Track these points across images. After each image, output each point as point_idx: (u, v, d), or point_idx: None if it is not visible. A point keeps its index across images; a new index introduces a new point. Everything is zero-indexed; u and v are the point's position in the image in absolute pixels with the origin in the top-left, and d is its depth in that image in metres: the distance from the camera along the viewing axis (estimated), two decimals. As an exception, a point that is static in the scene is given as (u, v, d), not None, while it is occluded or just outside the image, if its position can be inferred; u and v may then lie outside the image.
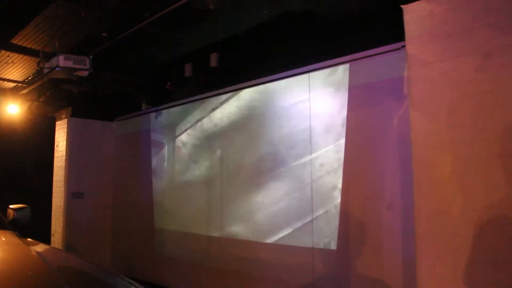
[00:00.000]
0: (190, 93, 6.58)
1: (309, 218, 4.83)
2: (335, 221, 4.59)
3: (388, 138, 4.25)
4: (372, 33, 4.42)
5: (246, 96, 5.76)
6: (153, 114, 7.39)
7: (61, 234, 7.71)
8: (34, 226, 3.65)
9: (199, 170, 6.38)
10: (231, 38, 5.40)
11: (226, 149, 5.97)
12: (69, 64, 5.07)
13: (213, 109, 6.23)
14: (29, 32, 5.05)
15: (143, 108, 7.70)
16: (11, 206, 3.52)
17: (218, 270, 5.87)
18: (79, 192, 7.80)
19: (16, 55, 5.73)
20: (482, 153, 3.04)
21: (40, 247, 2.72)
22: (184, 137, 6.71)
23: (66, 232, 7.65)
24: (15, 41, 5.31)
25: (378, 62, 4.40)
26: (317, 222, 4.75)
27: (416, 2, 3.47)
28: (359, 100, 4.54)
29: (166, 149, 7.05)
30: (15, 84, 7.03)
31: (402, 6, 3.54)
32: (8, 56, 5.76)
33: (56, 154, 8.15)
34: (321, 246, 4.69)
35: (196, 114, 6.52)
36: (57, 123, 8.27)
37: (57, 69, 5.05)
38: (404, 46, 3.68)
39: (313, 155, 4.85)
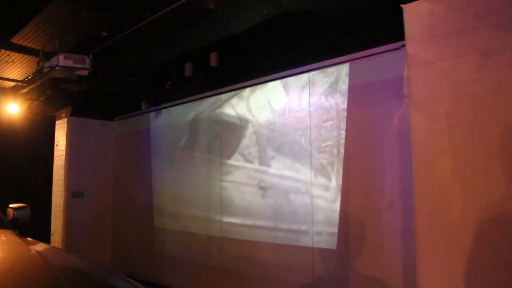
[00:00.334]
0: (190, 93, 6.58)
1: (309, 218, 4.83)
2: (335, 221, 4.59)
3: (388, 137, 4.25)
4: (372, 33, 4.42)
5: (247, 94, 5.76)
6: (153, 114, 7.38)
7: (60, 234, 7.71)
8: (34, 226, 3.64)
9: (199, 170, 6.38)
10: (231, 38, 5.40)
11: (226, 149, 5.96)
12: (69, 63, 5.08)
13: (213, 108, 6.23)
14: (29, 32, 5.05)
15: (143, 107, 7.69)
16: (11, 205, 3.51)
17: (218, 269, 5.88)
18: (79, 192, 7.80)
19: (16, 54, 5.72)
20: (482, 152, 3.05)
21: (40, 247, 2.72)
22: (184, 137, 6.71)
23: (66, 232, 7.65)
24: (15, 40, 5.31)
25: (378, 62, 4.40)
26: (317, 222, 4.75)
27: (416, 2, 3.47)
28: (359, 100, 4.54)
29: (166, 148, 7.04)
30: (15, 83, 7.03)
31: (402, 6, 3.54)
32: (8, 55, 5.76)
33: (56, 154, 8.15)
34: (321, 245, 4.69)
35: (195, 113, 6.52)
36: (57, 122, 8.27)
37: (57, 68, 5.06)
38: (404, 46, 3.69)
39: (313, 156, 4.85)
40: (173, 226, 6.78)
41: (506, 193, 2.90)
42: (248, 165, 5.65)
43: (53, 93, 6.98)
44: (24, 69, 6.35)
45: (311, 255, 4.75)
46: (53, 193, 8.06)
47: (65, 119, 8.00)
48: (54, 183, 8.08)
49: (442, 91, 3.27)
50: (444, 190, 3.20)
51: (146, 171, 7.39)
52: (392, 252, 4.09)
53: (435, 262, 3.21)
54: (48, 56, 5.32)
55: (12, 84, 7.10)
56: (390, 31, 4.06)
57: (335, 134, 4.67)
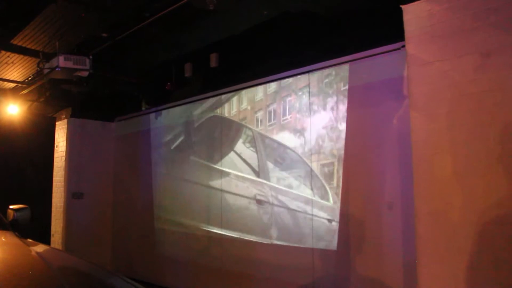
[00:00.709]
0: (190, 93, 6.57)
1: (309, 219, 4.83)
2: (335, 222, 4.59)
3: (388, 138, 4.25)
4: (372, 33, 4.42)
5: (246, 95, 5.76)
6: (153, 114, 7.39)
7: (61, 235, 7.70)
8: (34, 227, 3.64)
9: (199, 170, 6.38)
10: (231, 38, 5.40)
11: (226, 149, 5.96)
12: (69, 64, 5.07)
13: (214, 108, 6.23)
14: (29, 33, 5.05)
15: (143, 108, 7.69)
16: (11, 207, 3.51)
17: (218, 270, 5.87)
18: (79, 193, 7.79)
19: (16, 55, 5.72)
20: (482, 152, 3.05)
21: (40, 248, 2.72)
22: (183, 137, 6.71)
23: (66, 233, 7.64)
24: (15, 41, 5.30)
25: (378, 62, 4.40)
26: (318, 223, 4.75)
27: (416, 2, 3.48)
28: (359, 100, 4.54)
29: (166, 149, 7.04)
30: (15, 84, 7.02)
31: (402, 6, 3.54)
32: (8, 56, 5.75)
33: (56, 155, 8.15)
34: (321, 246, 4.69)
35: (196, 114, 6.52)
36: (57, 123, 8.27)
37: (57, 69, 5.05)
38: (404, 46, 3.69)
39: (313, 156, 4.85)
40: (173, 226, 6.78)
41: (506, 193, 2.90)
42: (249, 165, 5.65)
43: (53, 94, 6.97)
44: (24, 70, 6.34)
45: (312, 256, 4.74)
46: (53, 194, 8.05)
47: (65, 120, 8.00)
48: (54, 184, 8.08)
49: (442, 92, 3.27)
50: (444, 191, 3.20)
51: (146, 171, 7.38)
52: (393, 253, 4.09)
53: (435, 263, 3.20)
54: (48, 57, 5.32)
55: (12, 85, 7.09)
56: (390, 31, 4.06)
57: (335, 134, 4.67)
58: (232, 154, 5.88)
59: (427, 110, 3.35)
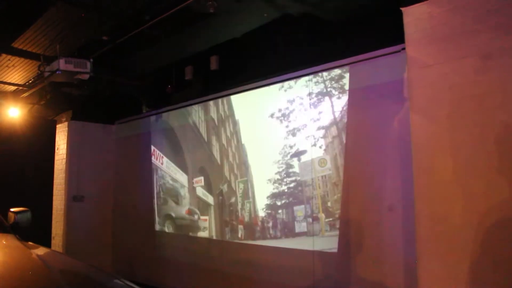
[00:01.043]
0: (191, 96, 6.58)
1: (309, 221, 4.83)
2: (335, 224, 4.59)
3: (389, 140, 4.25)
4: (372, 36, 4.42)
5: (248, 97, 5.77)
6: (153, 117, 7.40)
7: (61, 237, 7.70)
8: (35, 229, 3.65)
9: (200, 173, 6.38)
10: (231, 41, 5.41)
11: (227, 150, 5.97)
12: (70, 67, 5.08)
13: (213, 111, 6.24)
14: (30, 36, 5.05)
15: (144, 111, 7.70)
16: (12, 209, 3.52)
17: (219, 272, 5.87)
18: (80, 195, 7.79)
19: (17, 58, 5.72)
20: (482, 155, 3.04)
21: (40, 251, 2.72)
22: (185, 140, 6.71)
23: (66, 235, 7.64)
24: (16, 44, 5.31)
25: (378, 65, 4.41)
26: (318, 225, 4.75)
27: (416, 5, 3.48)
28: (359, 103, 4.55)
29: (166, 152, 7.05)
30: (16, 87, 7.03)
31: (402, 9, 3.55)
32: (9, 59, 5.76)
33: (56, 157, 8.16)
34: (322, 248, 4.68)
35: (196, 117, 6.53)
36: (57, 126, 8.28)
37: (57, 72, 5.06)
38: (404, 49, 3.69)
39: (314, 156, 4.85)
40: (173, 229, 6.78)
41: (507, 196, 2.90)
42: (250, 164, 5.65)
43: (54, 97, 6.99)
44: (25, 73, 6.35)
45: (312, 258, 4.74)
46: (54, 197, 8.06)
47: (66, 123, 8.01)
48: (55, 186, 8.08)
49: (442, 94, 3.27)
50: (445, 193, 3.20)
51: (146, 174, 7.39)
52: (393, 255, 4.08)
53: (436, 265, 3.20)
54: (49, 60, 5.33)
55: (13, 88, 7.10)
56: (390, 34, 4.07)
57: (336, 137, 4.67)
58: (234, 155, 5.89)
59: (428, 113, 3.35)
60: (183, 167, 6.68)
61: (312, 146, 4.88)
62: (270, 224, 5.31)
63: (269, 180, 5.33)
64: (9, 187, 7.22)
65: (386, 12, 4.02)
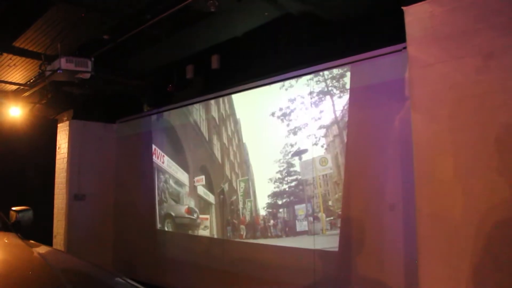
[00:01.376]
0: (192, 95, 6.58)
1: (310, 220, 4.83)
2: (336, 223, 4.60)
3: (390, 139, 4.25)
4: (373, 35, 4.42)
5: (249, 96, 5.78)
6: (154, 116, 7.40)
7: (63, 236, 7.71)
8: (36, 228, 3.65)
9: (201, 172, 6.39)
10: (232, 40, 5.40)
11: (227, 150, 5.97)
12: (71, 66, 5.08)
13: (214, 110, 6.24)
14: (31, 35, 5.05)
15: (145, 110, 7.70)
16: (13, 208, 3.53)
17: (220, 271, 5.87)
18: (81, 194, 7.80)
19: (18, 58, 5.72)
20: (483, 154, 3.04)
21: (42, 249, 2.73)
22: (186, 139, 6.72)
23: (68, 234, 7.66)
24: (17, 44, 5.31)
25: (379, 64, 4.41)
26: (319, 224, 4.75)
27: (417, 4, 3.48)
28: (360, 102, 4.54)
29: (167, 151, 7.05)
30: (17, 86, 7.03)
31: (403, 8, 3.55)
32: (10, 59, 5.76)
33: (58, 156, 8.17)
34: (323, 247, 4.69)
35: (197, 116, 6.53)
36: (58, 125, 8.29)
37: (59, 71, 5.06)
38: (405, 48, 3.69)
39: (315, 157, 4.86)
40: (174, 227, 6.78)
41: (508, 195, 2.90)
42: (251, 163, 5.66)
43: (55, 96, 6.99)
44: (26, 72, 6.36)
45: (313, 257, 4.74)
46: (55, 196, 8.07)
47: (67, 122, 8.01)
48: (56, 185, 8.09)
49: (444, 93, 3.27)
50: (446, 192, 3.20)
51: (147, 173, 7.39)
52: (394, 253, 4.08)
53: (436, 264, 3.20)
54: (50, 59, 5.32)
55: (14, 87, 7.11)
56: (391, 33, 4.07)
57: (337, 136, 4.67)
58: (236, 153, 5.89)
59: (429, 112, 3.35)
60: (184, 166, 6.68)
61: (313, 145, 4.89)
62: (271, 223, 5.32)
63: (270, 179, 5.34)
64: (11, 186, 7.24)
65: (387, 11, 4.02)
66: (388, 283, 4.09)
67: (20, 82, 6.82)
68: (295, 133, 5.10)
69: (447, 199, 3.18)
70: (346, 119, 4.61)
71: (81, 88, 6.58)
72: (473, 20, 3.17)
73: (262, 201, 5.43)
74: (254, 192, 5.59)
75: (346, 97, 4.64)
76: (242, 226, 5.66)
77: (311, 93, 4.96)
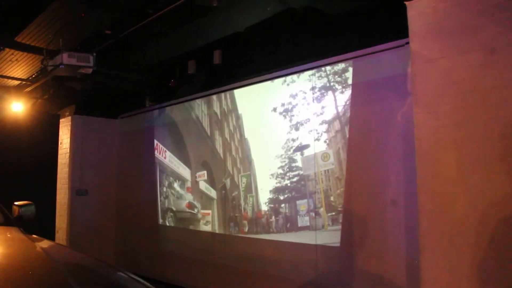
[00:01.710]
0: (194, 90, 6.58)
1: (312, 215, 4.83)
2: (338, 218, 4.60)
3: (392, 135, 4.24)
4: (376, 30, 4.40)
5: (251, 92, 5.77)
6: (156, 111, 7.40)
7: (65, 231, 7.74)
8: (39, 223, 3.66)
9: (203, 167, 6.39)
10: (234, 35, 5.39)
11: (229, 145, 5.97)
12: (73, 61, 5.09)
13: (216, 106, 6.24)
14: (33, 30, 5.05)
15: (147, 105, 7.70)
16: (16, 203, 3.53)
17: (222, 266, 5.89)
18: (83, 189, 7.82)
19: (20, 53, 5.72)
20: (486, 150, 3.03)
21: (45, 243, 2.74)
22: (188, 134, 6.72)
23: (70, 229, 7.68)
24: (19, 39, 5.31)
25: (382, 59, 4.39)
26: (321, 219, 4.76)
27: (420, -2, 3.46)
28: (362, 97, 4.54)
29: (169, 146, 7.06)
30: (19, 82, 7.04)
31: (406, 3, 3.52)
32: (12, 54, 5.76)
33: (60, 152, 8.18)
34: (324, 243, 4.69)
35: (199, 111, 6.53)
36: (61, 120, 8.29)
37: (61, 66, 5.07)
38: (408, 43, 3.67)
39: (317, 152, 4.85)
40: (177, 223, 6.80)
41: (510, 190, 2.89)
42: (253, 159, 5.65)
43: (57, 91, 6.99)
44: (28, 67, 6.35)
45: (315, 252, 4.75)
46: (58, 191, 8.09)
47: (69, 117, 8.02)
48: (58, 180, 8.11)
49: (447, 89, 3.26)
50: (448, 188, 3.19)
51: (150, 168, 7.40)
52: (396, 249, 4.09)
53: (439, 260, 3.20)
54: (52, 54, 5.33)
55: (16, 82, 7.11)
56: (394, 28, 4.05)
57: (339, 131, 4.67)
58: (238, 150, 5.89)
59: (431, 107, 3.33)
60: (186, 161, 6.69)
61: (315, 140, 4.88)
62: (273, 218, 5.32)
63: (272, 174, 5.34)
64: (13, 180, 7.25)
65: (390, 6, 4.00)
66: (390, 279, 4.09)
67: (22, 78, 6.83)
68: (297, 129, 5.09)
69: (450, 195, 3.18)
70: (348, 114, 4.60)
71: (83, 83, 6.58)
72: (477, 15, 3.16)
73: (264, 197, 5.43)
74: (256, 187, 5.59)
75: (348, 92, 4.63)
76: (244, 222, 5.66)
77: (313, 88, 4.95)
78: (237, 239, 5.74)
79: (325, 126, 4.80)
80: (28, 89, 7.16)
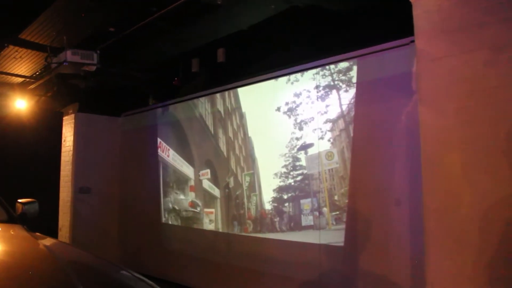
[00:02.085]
0: (197, 89, 6.57)
1: (316, 214, 4.82)
2: (342, 218, 4.58)
3: (396, 134, 4.22)
4: (381, 28, 4.38)
5: (254, 90, 5.76)
6: (160, 110, 7.39)
7: (68, 229, 7.75)
8: (42, 220, 3.66)
9: (206, 165, 6.38)
10: (238, 33, 5.38)
11: (232, 144, 5.96)
12: (77, 59, 5.09)
13: (220, 104, 6.22)
14: (37, 27, 5.05)
15: (150, 103, 7.70)
16: (19, 200, 3.53)
17: (225, 265, 5.88)
18: (86, 187, 7.82)
19: (24, 50, 5.73)
20: (491, 149, 3.01)
21: (48, 241, 2.73)
22: (191, 132, 6.71)
23: (73, 227, 7.69)
24: (23, 36, 5.32)
25: (386, 57, 4.37)
26: (325, 219, 4.74)
27: (426, -3, 3.43)
28: (366, 96, 4.52)
29: (172, 144, 7.05)
30: (23, 79, 7.05)
31: (411, 1, 3.50)
32: (16, 51, 5.77)
33: (63, 149, 8.19)
34: (328, 242, 4.68)
35: (202, 109, 6.52)
36: (64, 118, 8.30)
37: (64, 64, 5.07)
38: (413, 41, 3.65)
39: (321, 151, 4.84)
40: (180, 221, 6.79)
41: (516, 190, 2.87)
42: (256, 157, 5.64)
43: (61, 89, 7.00)
44: (32, 65, 6.36)
45: (318, 252, 4.74)
46: (61, 189, 8.10)
47: (73, 115, 8.03)
48: (61, 178, 8.12)
49: (452, 87, 3.24)
50: (453, 188, 3.18)
51: (153, 166, 7.40)
52: (400, 248, 4.07)
53: (444, 260, 3.18)
54: (55, 51, 5.33)
55: (20, 80, 7.12)
56: (399, 26, 4.03)
57: (343, 130, 4.65)
58: (242, 149, 5.88)
59: (436, 106, 3.32)
60: (190, 160, 6.68)
61: (319, 139, 4.86)
62: (277, 218, 5.31)
63: (276, 173, 5.32)
64: (17, 178, 7.28)
65: (394, 4, 3.98)
66: (394, 279, 4.08)
67: (26, 75, 6.84)
68: (301, 127, 5.07)
69: (455, 195, 3.16)
70: (352, 113, 4.58)
71: (87, 81, 6.58)
72: (482, 13, 3.13)
73: (268, 196, 5.42)
74: (259, 186, 5.58)
75: (352, 91, 4.61)
76: (248, 221, 5.65)
77: (317, 87, 4.94)
78: (240, 238, 5.73)
79: (329, 125, 4.79)
80: (32, 86, 7.17)
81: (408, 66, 4.09)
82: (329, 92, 4.83)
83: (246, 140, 5.81)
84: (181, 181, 6.84)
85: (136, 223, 7.78)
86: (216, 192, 6.16)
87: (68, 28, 5.01)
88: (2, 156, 7.60)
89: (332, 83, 4.81)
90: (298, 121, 5.11)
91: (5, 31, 5.23)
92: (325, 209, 4.75)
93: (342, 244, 4.55)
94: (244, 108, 5.90)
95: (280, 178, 5.27)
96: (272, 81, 5.48)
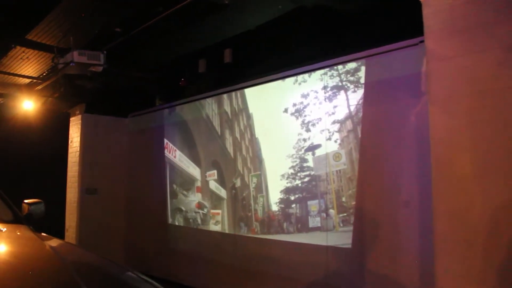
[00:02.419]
0: (204, 89, 6.55)
1: (323, 216, 4.78)
2: (350, 219, 4.54)
3: (406, 134, 4.18)
4: (390, 28, 4.34)
5: (261, 91, 5.73)
6: (166, 110, 7.39)
7: (75, 229, 7.76)
8: (48, 221, 3.65)
9: (213, 166, 6.36)
10: (245, 34, 5.36)
11: (239, 145, 5.94)
12: (83, 59, 5.08)
13: (226, 105, 6.21)
14: (44, 28, 5.05)
15: (157, 104, 7.70)
16: (25, 201, 3.53)
17: (231, 266, 5.85)
18: (93, 188, 7.84)
19: (31, 51, 5.74)
20: (502, 150, 2.97)
21: (54, 242, 2.72)
22: (198, 133, 6.69)
23: (80, 228, 7.70)
24: (30, 36, 5.32)
25: (395, 58, 4.33)
26: (332, 220, 4.70)
27: (436, -5, 3.39)
28: (375, 96, 4.47)
29: (179, 145, 7.04)
30: (30, 80, 7.07)
31: (421, 0, 3.46)
32: (23, 52, 5.77)
33: (70, 150, 8.21)
34: (335, 244, 4.64)
35: (209, 110, 6.50)
36: (71, 119, 8.32)
37: (71, 64, 5.07)
38: (422, 41, 3.61)
39: (329, 152, 4.80)
40: (186, 222, 6.77)
41: (528, 192, 2.82)
42: (263, 158, 5.62)
43: (67, 90, 7.00)
44: (39, 65, 6.37)
45: (326, 253, 4.70)
46: (68, 189, 8.12)
47: (79, 116, 8.04)
48: (68, 179, 8.14)
49: (462, 88, 3.19)
50: (464, 189, 3.13)
51: (159, 167, 7.39)
52: (408, 251, 4.02)
53: (453, 263, 3.13)
54: (62, 52, 5.33)
55: (27, 80, 7.14)
56: (408, 26, 3.99)
57: (351, 131, 4.61)
58: (247, 149, 5.86)
59: (447, 107, 3.27)
60: (196, 161, 6.67)
61: (326, 140, 4.83)
62: (284, 219, 5.27)
63: (283, 174, 5.29)
64: (23, 178, 7.29)
65: (403, 3, 3.94)
66: (403, 282, 4.03)
67: (33, 76, 6.85)
68: (308, 128, 5.04)
69: (465, 196, 3.11)
70: (360, 114, 4.54)
71: (93, 81, 6.59)
72: (494, 13, 3.09)
73: (275, 197, 5.39)
74: (266, 187, 5.55)
75: (360, 91, 4.57)
76: (255, 222, 5.62)
77: (325, 87, 4.90)
78: (247, 239, 5.70)
79: (337, 126, 4.75)
80: (39, 87, 7.18)
81: (417, 67, 4.04)
82: (336, 93, 4.79)
83: (253, 141, 5.78)
84: (187, 182, 6.83)
85: (142, 224, 7.78)
86: (222, 193, 6.14)
87: (74, 29, 5.01)
88: (9, 157, 7.63)
89: (340, 84, 4.77)
90: (306, 122, 5.08)
91: (13, 32, 5.24)
92: (333, 211, 4.71)
93: (349, 246, 4.51)
94: (251, 109, 5.88)
95: (287, 179, 5.24)
96: (279, 81, 5.45)
